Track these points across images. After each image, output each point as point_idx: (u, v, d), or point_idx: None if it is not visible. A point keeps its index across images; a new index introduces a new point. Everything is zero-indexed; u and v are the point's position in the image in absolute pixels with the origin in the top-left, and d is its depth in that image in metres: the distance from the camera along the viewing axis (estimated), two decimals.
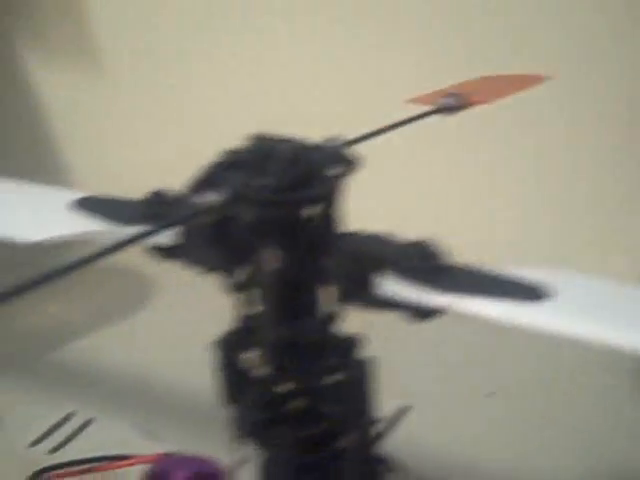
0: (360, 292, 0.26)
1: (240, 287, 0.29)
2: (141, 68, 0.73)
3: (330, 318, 0.29)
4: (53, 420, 0.57)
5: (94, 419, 0.58)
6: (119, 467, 0.50)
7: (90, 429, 0.57)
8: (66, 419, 0.58)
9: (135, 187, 0.78)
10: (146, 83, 0.74)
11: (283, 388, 0.30)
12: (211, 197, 0.25)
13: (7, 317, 0.70)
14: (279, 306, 0.28)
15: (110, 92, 0.75)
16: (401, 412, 0.33)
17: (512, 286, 0.25)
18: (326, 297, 0.28)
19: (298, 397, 0.30)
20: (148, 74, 0.73)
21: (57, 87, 0.76)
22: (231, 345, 0.30)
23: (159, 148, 0.76)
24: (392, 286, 0.26)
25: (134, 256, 0.81)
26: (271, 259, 0.27)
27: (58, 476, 0.48)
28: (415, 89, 0.34)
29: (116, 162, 0.77)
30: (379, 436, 0.32)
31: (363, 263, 0.26)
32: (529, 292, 0.24)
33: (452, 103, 0.33)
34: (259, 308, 0.29)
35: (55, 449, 0.54)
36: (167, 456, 0.36)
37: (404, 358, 0.48)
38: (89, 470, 0.49)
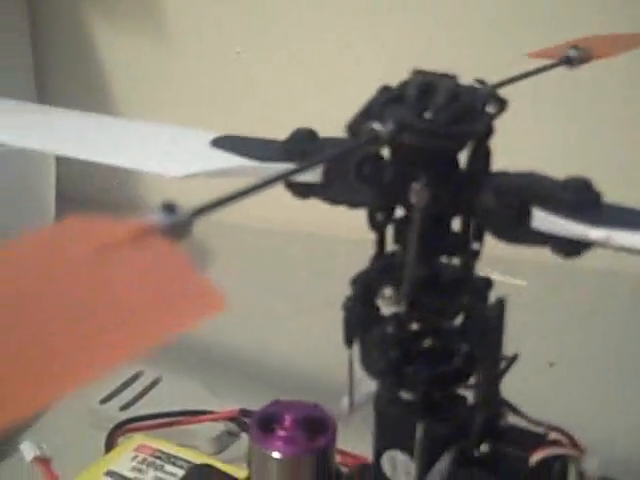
0: (513, 226, 0.27)
1: (384, 223, 0.30)
2: (205, 35, 0.74)
3: (474, 256, 0.30)
4: (121, 380, 0.58)
5: (161, 378, 0.59)
6: (199, 421, 0.51)
7: (158, 387, 0.58)
8: (134, 378, 0.59)
9: None
10: (209, 50, 0.74)
11: (417, 326, 0.31)
12: (377, 127, 0.26)
13: None
14: (424, 242, 0.29)
15: (174, 58, 0.75)
16: (511, 359, 0.34)
17: None
18: (473, 235, 0.29)
19: (431, 335, 0.31)
20: (211, 41, 0.74)
21: (121, 50, 0.76)
22: (367, 282, 0.31)
23: (218, 115, 0.76)
24: (545, 220, 0.27)
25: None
26: (421, 194, 0.28)
27: (140, 428, 0.49)
28: None
29: None
30: (498, 382, 0.33)
31: (517, 197, 0.27)
32: None
33: (576, 56, 0.34)
34: (401, 245, 0.30)
35: (125, 407, 0.55)
36: (276, 401, 0.37)
37: None
38: (172, 423, 0.50)
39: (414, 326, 0.32)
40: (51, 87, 0.79)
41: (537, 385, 0.55)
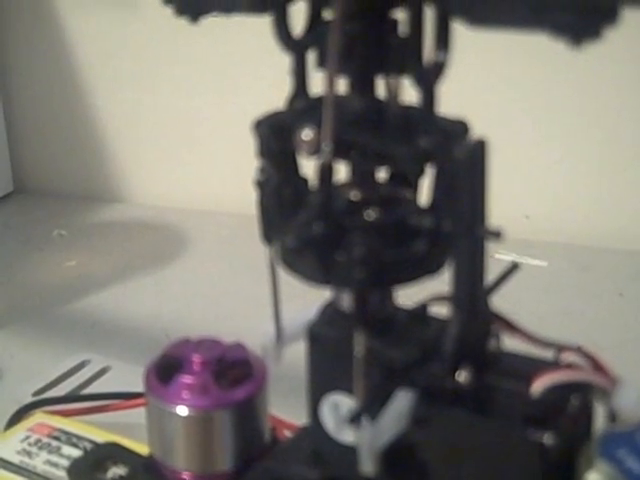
0: None
1: (305, 40, 0.20)
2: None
3: (436, 73, 0.19)
4: (62, 370, 0.49)
5: (110, 367, 0.49)
6: (134, 406, 0.41)
7: (106, 377, 0.48)
8: (79, 367, 0.50)
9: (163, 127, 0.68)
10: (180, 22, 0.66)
11: (356, 192, 0.21)
12: None
13: (25, 269, 0.63)
14: (356, 54, 0.19)
15: (143, 30, 0.67)
16: (512, 268, 0.23)
17: None
18: (432, 33, 0.19)
19: (376, 203, 0.21)
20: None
21: (89, 24, 0.69)
22: (281, 129, 0.21)
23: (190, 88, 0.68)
24: None
25: (163, 212, 0.72)
26: None
27: (56, 412, 0.39)
28: None
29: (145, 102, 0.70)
30: (489, 291, 0.22)
31: None
32: None
33: None
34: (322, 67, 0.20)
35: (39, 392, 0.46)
36: (185, 340, 0.27)
37: None
38: (96, 409, 0.40)
39: (352, 193, 0.21)
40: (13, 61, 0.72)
41: None
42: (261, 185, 0.22)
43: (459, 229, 0.20)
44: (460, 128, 0.21)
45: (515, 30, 0.18)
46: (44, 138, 0.75)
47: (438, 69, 0.20)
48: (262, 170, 0.22)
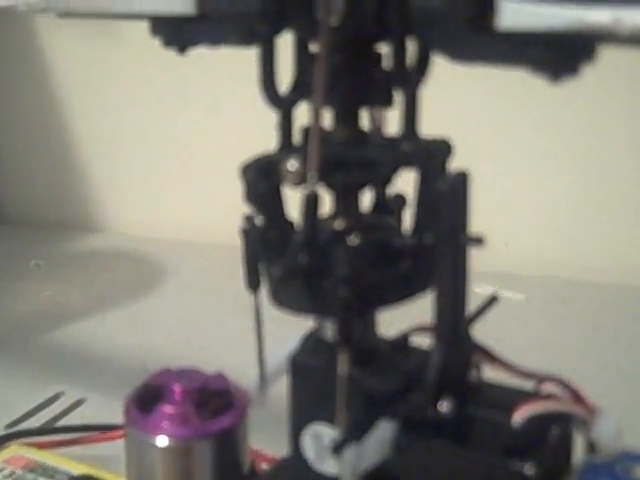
0: (472, 32, 0.17)
1: (290, 98, 0.21)
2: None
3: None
4: (36, 402, 0.48)
5: (85, 399, 0.49)
6: (110, 438, 0.40)
7: (81, 409, 0.48)
8: (54, 399, 0.49)
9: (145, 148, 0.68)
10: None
11: (340, 221, 0.21)
12: None
13: (2, 299, 0.62)
14: (340, 86, 0.20)
15: (124, 59, 0.67)
16: (491, 300, 0.24)
17: None
18: (417, 62, 0.19)
19: (358, 229, 0.21)
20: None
21: (69, 49, 0.69)
22: (267, 167, 0.21)
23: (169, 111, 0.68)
24: (518, 12, 0.17)
25: (142, 242, 0.71)
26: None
27: (31, 445, 0.39)
28: None
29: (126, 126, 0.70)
30: (469, 322, 0.23)
31: None
32: None
33: None
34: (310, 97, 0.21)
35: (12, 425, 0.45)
36: (166, 370, 0.27)
37: None
38: (72, 442, 0.39)
39: (336, 223, 0.21)
40: None
41: None
42: (246, 233, 0.22)
43: (441, 247, 0.20)
44: (443, 146, 0.21)
45: (495, 66, 0.18)
46: (22, 166, 0.75)
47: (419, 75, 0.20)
48: (248, 218, 0.22)
